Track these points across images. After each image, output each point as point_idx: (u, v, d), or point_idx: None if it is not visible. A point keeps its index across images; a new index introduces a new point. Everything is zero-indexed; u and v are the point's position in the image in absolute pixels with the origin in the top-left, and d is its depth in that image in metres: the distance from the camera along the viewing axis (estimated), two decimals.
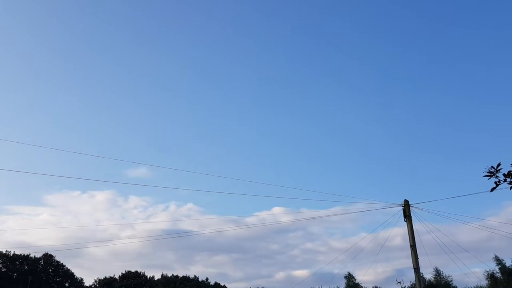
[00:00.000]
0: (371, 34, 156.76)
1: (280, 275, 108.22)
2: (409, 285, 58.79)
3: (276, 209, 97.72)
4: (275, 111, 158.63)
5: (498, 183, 7.48)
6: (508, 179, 7.40)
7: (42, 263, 75.25)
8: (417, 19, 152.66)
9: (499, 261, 54.18)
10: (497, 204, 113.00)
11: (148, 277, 75.33)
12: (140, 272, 75.70)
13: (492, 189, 7.61)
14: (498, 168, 7.49)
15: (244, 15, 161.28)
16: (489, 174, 7.56)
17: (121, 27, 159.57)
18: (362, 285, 63.01)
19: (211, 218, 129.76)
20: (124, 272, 75.23)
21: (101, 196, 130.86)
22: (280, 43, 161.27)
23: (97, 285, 74.23)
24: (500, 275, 53.36)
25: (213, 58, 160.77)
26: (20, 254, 72.37)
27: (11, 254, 71.78)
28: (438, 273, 61.02)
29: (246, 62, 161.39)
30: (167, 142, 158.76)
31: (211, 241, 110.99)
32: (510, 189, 7.42)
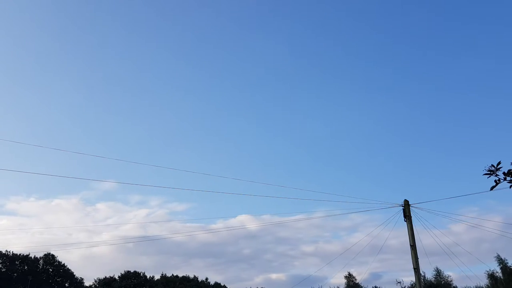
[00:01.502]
0: (374, 32, 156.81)
1: (260, 278, 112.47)
2: (409, 285, 58.79)
3: (242, 217, 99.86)
4: (274, 109, 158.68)
5: (498, 182, 7.43)
6: (508, 178, 7.35)
7: (42, 263, 75.22)
8: (419, 17, 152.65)
9: (500, 261, 54.00)
10: (457, 211, 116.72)
11: (148, 277, 75.30)
12: (140, 272, 75.67)
13: (492, 188, 7.56)
14: (498, 167, 7.44)
15: (255, 14, 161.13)
16: (489, 172, 7.51)
17: (128, 24, 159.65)
18: (361, 285, 63.14)
19: (181, 224, 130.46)
20: (123, 272, 75.18)
21: (68, 204, 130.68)
22: (285, 40, 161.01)
23: (97, 285, 74.20)
24: (500, 274, 53.25)
25: (219, 55, 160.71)
26: (20, 254, 72.32)
27: (11, 254, 71.73)
28: (438, 273, 61.12)
29: (247, 56, 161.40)
30: (167, 140, 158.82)
31: (181, 246, 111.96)
32: (510, 187, 7.38)
